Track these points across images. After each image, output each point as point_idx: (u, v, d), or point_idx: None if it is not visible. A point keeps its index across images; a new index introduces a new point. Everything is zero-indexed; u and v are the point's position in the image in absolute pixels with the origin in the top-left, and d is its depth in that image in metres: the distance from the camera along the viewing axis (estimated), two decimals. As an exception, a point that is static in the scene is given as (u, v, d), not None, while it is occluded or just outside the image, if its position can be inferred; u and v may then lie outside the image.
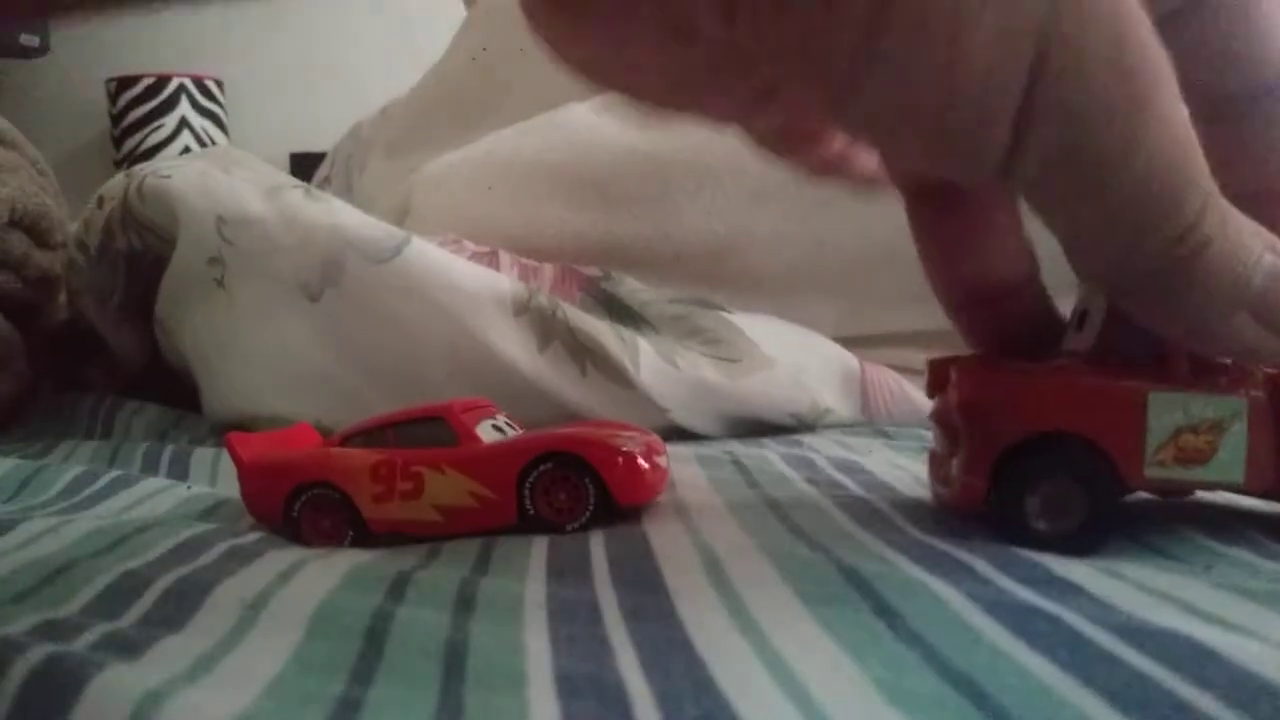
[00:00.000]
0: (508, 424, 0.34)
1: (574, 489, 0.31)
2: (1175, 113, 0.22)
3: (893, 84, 0.21)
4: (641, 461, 0.31)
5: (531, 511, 0.31)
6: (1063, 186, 0.22)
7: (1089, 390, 0.28)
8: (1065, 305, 0.32)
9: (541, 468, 0.31)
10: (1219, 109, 0.27)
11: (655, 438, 0.34)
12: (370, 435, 0.33)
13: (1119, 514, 0.28)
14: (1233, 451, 0.28)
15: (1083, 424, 0.28)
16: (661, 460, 0.33)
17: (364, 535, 0.32)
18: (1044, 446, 0.28)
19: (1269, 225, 0.24)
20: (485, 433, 0.32)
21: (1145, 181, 0.22)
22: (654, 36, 0.23)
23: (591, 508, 0.31)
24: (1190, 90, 0.23)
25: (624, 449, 0.31)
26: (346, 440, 0.33)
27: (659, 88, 0.26)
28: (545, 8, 0.24)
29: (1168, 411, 0.27)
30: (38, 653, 0.20)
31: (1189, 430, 0.27)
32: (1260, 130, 0.28)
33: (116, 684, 0.18)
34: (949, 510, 0.31)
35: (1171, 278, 0.23)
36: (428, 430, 0.32)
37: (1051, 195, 0.23)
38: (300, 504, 0.32)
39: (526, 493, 0.31)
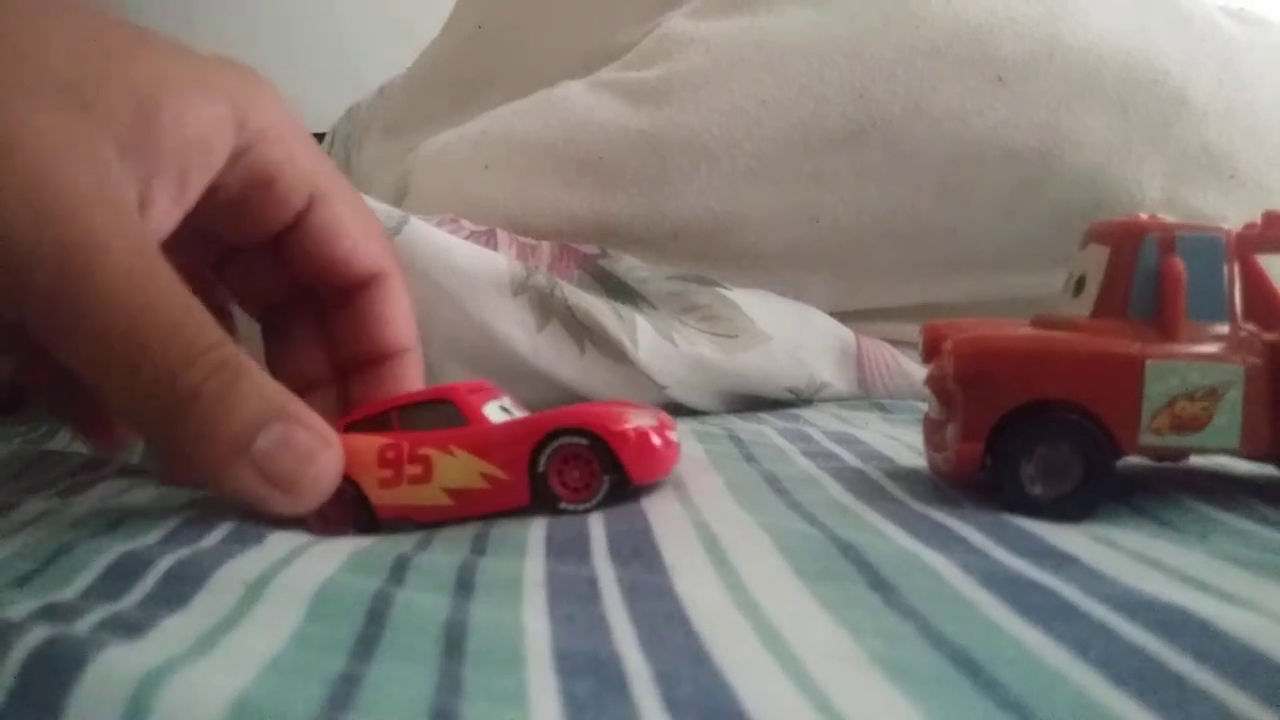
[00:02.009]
0: (512, 406, 0.34)
1: (587, 467, 0.30)
2: (135, 281, 0.27)
3: None
4: (654, 437, 0.31)
5: (546, 491, 0.30)
6: (45, 333, 0.27)
7: (1085, 357, 0.28)
8: (1057, 279, 0.32)
9: (554, 445, 0.30)
10: (336, 299, 0.36)
11: (665, 414, 0.33)
12: (374, 420, 0.32)
13: (1113, 480, 0.28)
14: (1229, 417, 0.28)
15: (1079, 391, 0.28)
16: (673, 436, 0.32)
17: (372, 522, 0.31)
18: (1040, 413, 0.28)
19: None
20: (492, 414, 0.32)
21: (94, 340, 0.27)
22: None
23: (605, 485, 0.30)
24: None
25: (637, 425, 0.30)
26: (350, 426, 0.33)
27: None
28: None
29: (1164, 379, 0.27)
30: (38, 634, 0.20)
31: (1185, 397, 0.27)
32: (366, 310, 0.36)
33: (117, 663, 0.19)
34: (944, 476, 0.31)
35: (163, 418, 0.27)
36: (434, 413, 0.32)
37: (44, 338, 0.27)
38: None
39: (540, 472, 0.30)
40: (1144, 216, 0.30)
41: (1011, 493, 0.28)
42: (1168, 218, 0.30)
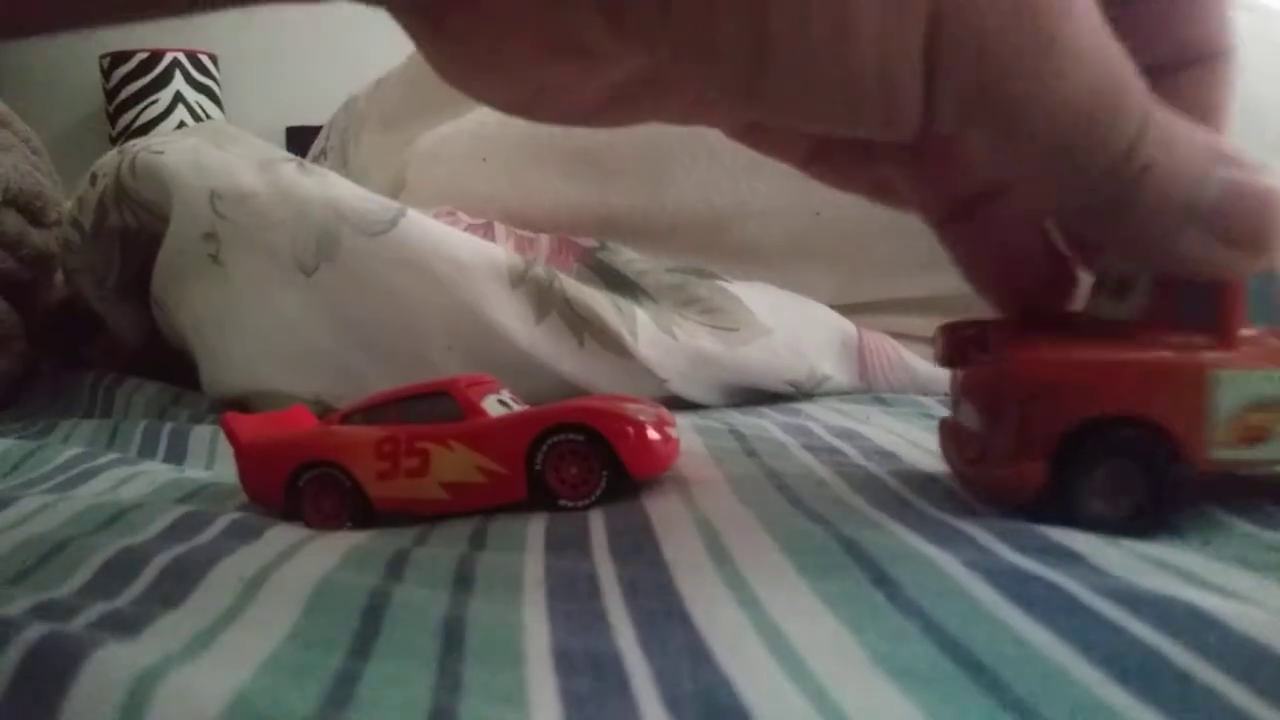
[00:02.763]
0: (512, 400, 0.33)
1: (585, 462, 0.30)
2: (1092, 39, 0.21)
3: (792, 66, 0.20)
4: (653, 432, 0.30)
5: (543, 487, 0.30)
6: (988, 131, 0.22)
7: (1153, 370, 0.27)
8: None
9: (552, 440, 0.30)
10: None
11: (664, 409, 0.33)
12: (372, 412, 0.32)
13: (1180, 496, 0.27)
14: None
15: (1148, 406, 0.26)
16: (672, 432, 0.32)
17: (368, 515, 0.31)
18: (1105, 428, 0.27)
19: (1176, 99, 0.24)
20: (491, 408, 0.32)
21: (1069, 114, 0.21)
22: (552, 61, 0.23)
23: (604, 481, 0.30)
24: None
25: (635, 420, 0.30)
26: (348, 418, 0.33)
27: (591, 106, 0.26)
28: (434, 45, 0.24)
29: (1233, 391, 0.27)
30: (35, 632, 0.20)
31: (1255, 409, 0.27)
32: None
33: (113, 662, 0.18)
34: (990, 494, 0.30)
35: (1118, 202, 0.23)
36: (432, 406, 0.31)
37: (982, 141, 0.22)
38: (303, 484, 0.31)
39: (537, 467, 0.30)
40: None
41: (1071, 509, 0.27)
42: None
